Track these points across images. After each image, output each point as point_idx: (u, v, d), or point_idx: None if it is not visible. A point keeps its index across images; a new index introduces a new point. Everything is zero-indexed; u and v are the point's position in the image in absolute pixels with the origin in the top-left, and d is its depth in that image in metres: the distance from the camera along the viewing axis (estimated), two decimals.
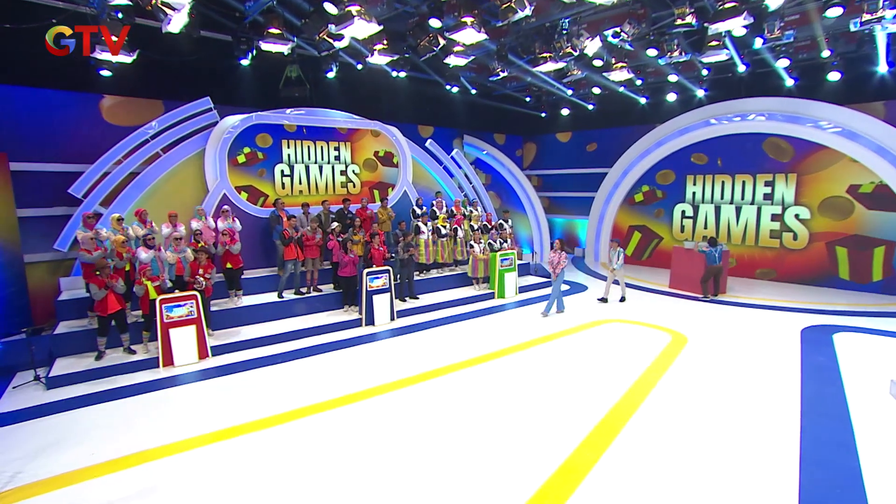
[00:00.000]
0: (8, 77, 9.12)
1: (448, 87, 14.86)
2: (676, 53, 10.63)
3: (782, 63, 11.21)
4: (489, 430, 5.76)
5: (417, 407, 6.37)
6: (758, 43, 10.00)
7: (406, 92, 14.88)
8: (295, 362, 8.05)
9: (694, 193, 14.99)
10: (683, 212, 15.29)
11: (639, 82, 13.35)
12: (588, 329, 9.70)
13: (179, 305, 7.94)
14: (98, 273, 7.48)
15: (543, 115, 17.78)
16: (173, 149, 10.11)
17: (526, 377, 7.31)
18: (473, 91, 15.75)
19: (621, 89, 14.16)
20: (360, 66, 13.08)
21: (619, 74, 11.59)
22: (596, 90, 14.32)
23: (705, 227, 14.77)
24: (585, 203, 17.94)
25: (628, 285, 13.65)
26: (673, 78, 13.05)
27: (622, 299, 11.67)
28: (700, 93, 13.97)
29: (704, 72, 12.69)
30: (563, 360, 8.05)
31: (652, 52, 10.73)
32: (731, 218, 14.25)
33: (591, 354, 8.30)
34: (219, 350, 8.35)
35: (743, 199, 13.99)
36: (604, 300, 11.59)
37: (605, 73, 11.83)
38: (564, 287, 13.40)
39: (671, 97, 14.36)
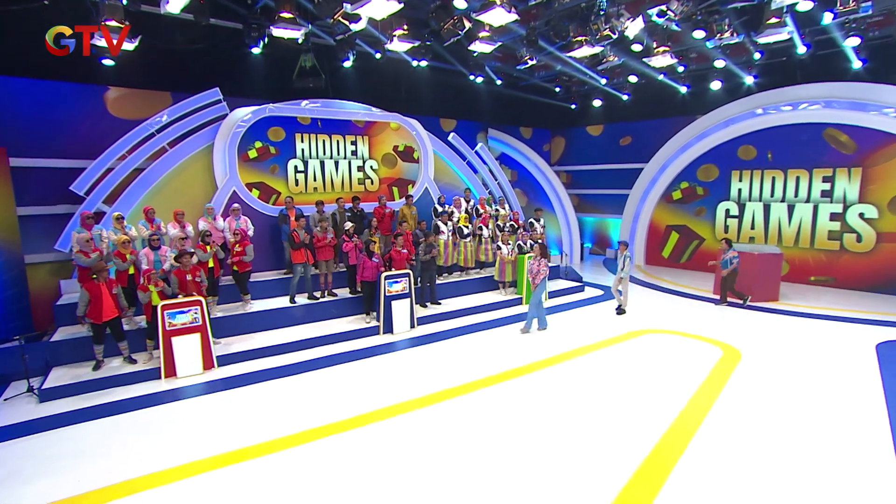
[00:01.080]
0: (7, 68, 8.62)
1: (472, 77, 14.00)
2: (727, 35, 9.55)
3: (852, 42, 9.93)
4: (528, 457, 4.91)
5: (444, 430, 5.55)
6: (827, 18, 8.81)
7: (427, 83, 14.10)
8: (307, 375, 7.33)
9: (740, 190, 13.78)
10: (728, 210, 14.09)
11: (681, 69, 12.22)
12: (626, 341, 8.74)
13: (183, 312, 7.30)
14: (94, 277, 6.89)
15: (573, 106, 16.76)
16: (180, 143, 9.50)
17: (565, 396, 6.41)
18: (499, 82, 14.86)
19: (661, 77, 13.04)
20: (378, 55, 12.34)
21: (661, 60, 10.55)
22: (633, 78, 13.23)
23: (752, 228, 13.56)
24: (618, 201, 16.85)
25: (663, 290, 12.61)
26: (720, 63, 11.89)
27: (620, 311, 10.38)
28: (749, 79, 12.74)
29: (756, 55, 11.49)
30: (603, 375, 7.13)
31: (699, 34, 9.65)
32: (782, 217, 13.01)
33: (633, 369, 7.36)
34: (225, 360, 7.69)
35: (797, 196, 12.74)
36: (621, 311, 10.45)
37: (644, 59, 10.78)
38: (595, 292, 12.41)
39: (716, 85, 13.15)
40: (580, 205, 18.09)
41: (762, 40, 9.46)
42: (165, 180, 9.34)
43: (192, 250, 7.75)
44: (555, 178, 16.59)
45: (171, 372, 7.23)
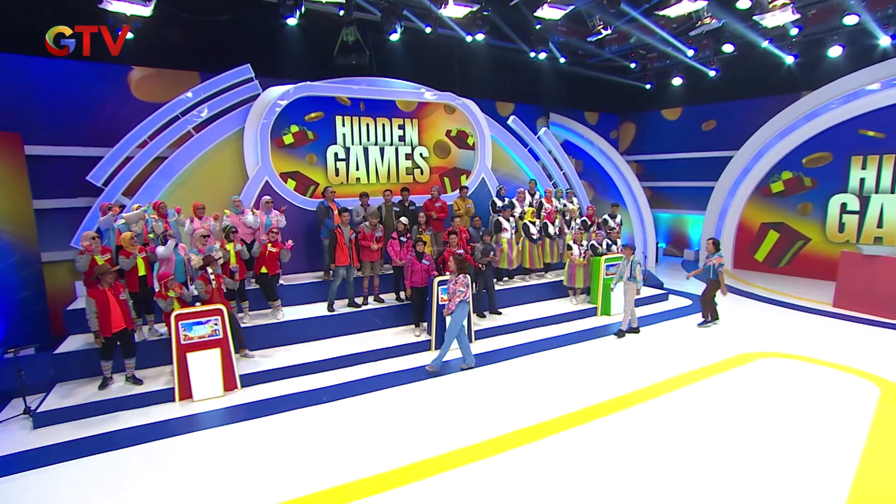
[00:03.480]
0: (23, 45, 7.76)
1: (532, 54, 12.33)
2: None
3: None
4: None
5: (520, 493, 4.02)
6: None
7: (482, 62, 12.55)
8: (346, 402, 5.99)
9: (862, 180, 11.37)
10: (844, 205, 11.70)
11: (795, 31, 9.98)
12: (737, 367, 6.89)
13: (200, 322, 6.14)
14: (98, 280, 5.81)
15: (649, 86, 14.68)
16: (207, 128, 8.39)
17: (679, 447, 4.72)
18: (562, 60, 13.08)
19: (764, 45, 10.80)
20: (428, 30, 10.91)
21: (779, 17, 8.49)
22: (727, 48, 11.06)
23: (879, 226, 11.15)
24: (699, 194, 14.66)
25: (762, 299, 10.51)
26: (850, 20, 9.54)
27: (621, 333, 8.28)
28: (885, 40, 10.24)
29: None
30: (724, 415, 5.38)
31: None
32: None
33: (762, 408, 5.60)
34: (250, 379, 6.48)
35: None
36: (629, 331, 8.40)
37: (756, 17, 8.73)
38: (681, 301, 10.44)
39: (835, 52, 10.78)
40: (653, 199, 15.93)
41: None
42: (190, 170, 8.27)
43: (219, 255, 6.62)
44: (627, 168, 14.60)
45: (186, 393, 6.07)
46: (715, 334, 8.37)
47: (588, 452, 4.80)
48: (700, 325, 8.76)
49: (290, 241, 7.38)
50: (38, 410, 5.51)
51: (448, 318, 6.71)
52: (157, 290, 6.46)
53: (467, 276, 6.72)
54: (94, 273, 5.86)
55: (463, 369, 6.84)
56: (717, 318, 8.82)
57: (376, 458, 4.76)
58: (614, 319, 9.18)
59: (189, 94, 8.29)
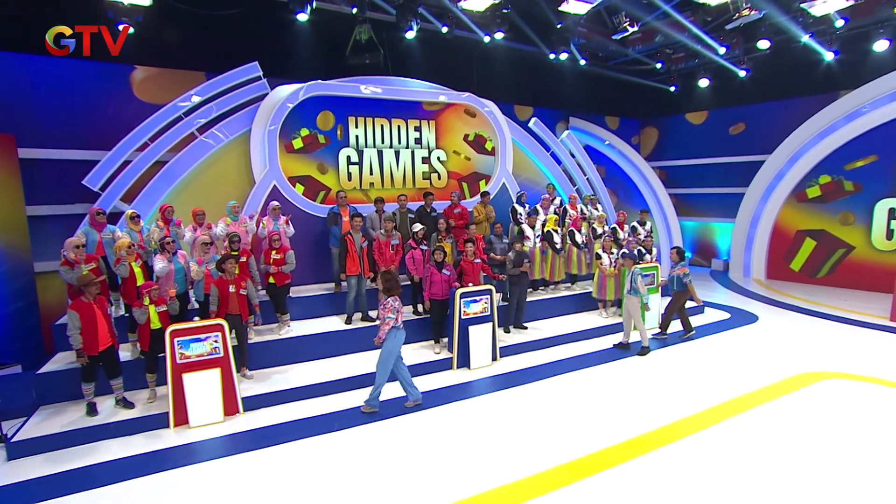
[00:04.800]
0: (19, 43, 7.32)
1: (552, 56, 11.78)
2: None
3: None
4: None
5: None
6: None
7: (500, 64, 12.10)
8: (360, 430, 5.31)
9: None
10: (893, 210, 10.89)
11: (840, 23, 9.28)
12: (802, 389, 6.12)
13: (199, 339, 5.50)
14: (81, 292, 5.23)
15: (673, 89, 14.02)
16: (212, 129, 7.86)
17: (751, 484, 3.96)
18: (583, 62, 12.51)
19: (805, 39, 10.11)
20: (445, 30, 10.42)
21: (830, 4, 7.79)
22: (763, 44, 10.37)
23: None
24: (727, 201, 13.95)
25: (805, 311, 9.72)
26: None
27: (621, 344, 7.68)
28: None
29: None
30: (797, 444, 4.59)
31: None
32: None
33: (838, 437, 4.79)
34: (254, 402, 5.82)
35: None
36: (625, 346, 7.70)
37: (805, 4, 8.06)
38: (718, 314, 9.64)
39: (881, 45, 10.05)
40: (677, 207, 15.15)
41: None
42: (194, 174, 7.73)
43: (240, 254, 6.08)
44: (652, 174, 13.92)
45: (182, 419, 5.43)
46: (763, 350, 7.59)
47: (645, 494, 4.06)
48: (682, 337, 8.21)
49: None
50: (14, 439, 4.88)
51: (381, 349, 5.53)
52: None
53: (398, 298, 5.51)
54: (77, 283, 5.26)
55: (408, 407, 5.71)
56: (692, 330, 8.24)
57: (397, 497, 4.07)
58: (649, 335, 8.43)
59: (193, 95, 7.75)
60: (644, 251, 8.83)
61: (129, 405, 5.51)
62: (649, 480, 4.27)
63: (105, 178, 7.32)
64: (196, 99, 7.76)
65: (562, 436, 5.08)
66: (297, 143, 8.49)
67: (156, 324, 5.48)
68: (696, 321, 9.21)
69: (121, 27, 6.96)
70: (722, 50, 10.86)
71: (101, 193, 7.32)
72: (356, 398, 6.01)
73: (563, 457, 4.67)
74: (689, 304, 8.23)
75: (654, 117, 16.03)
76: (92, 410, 5.37)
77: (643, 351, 7.47)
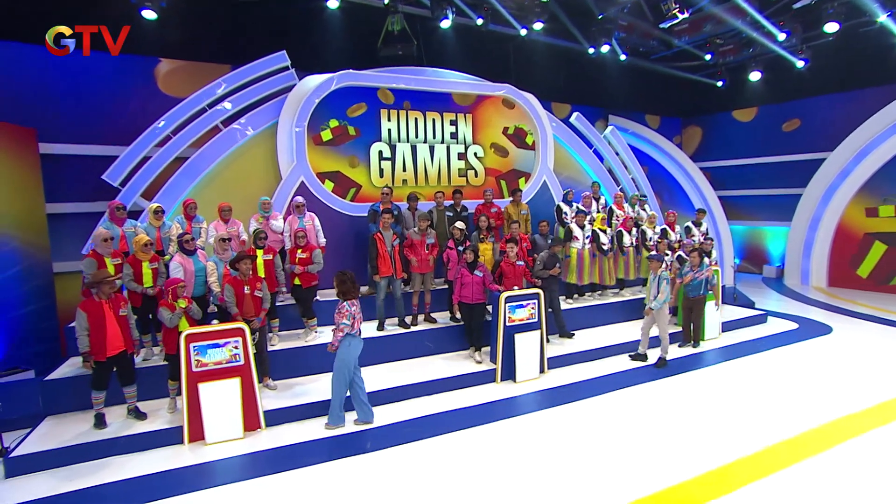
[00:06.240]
0: (40, 35, 7.03)
1: (591, 50, 11.12)
2: None
3: None
4: None
5: None
6: None
7: (537, 59, 11.55)
8: (394, 451, 4.65)
9: None
10: None
11: None
12: None
13: (217, 345, 4.96)
14: (94, 291, 4.76)
15: (721, 84, 13.12)
16: (237, 122, 7.41)
17: None
18: (623, 56, 11.80)
19: (883, 18, 9.11)
20: (480, 21, 9.89)
21: None
22: (831, 27, 9.41)
23: None
24: (780, 203, 12.99)
25: (876, 320, 8.69)
26: None
27: (662, 362, 6.70)
28: None
29: None
30: None
31: None
32: None
33: None
34: (277, 417, 5.23)
35: None
36: (642, 357, 6.84)
37: None
38: (784, 324, 8.69)
39: None
40: (723, 210, 14.21)
41: None
42: (218, 169, 7.28)
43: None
44: (699, 174, 13.02)
45: (198, 434, 4.87)
46: (847, 364, 6.65)
47: None
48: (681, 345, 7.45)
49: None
50: (13, 454, 4.39)
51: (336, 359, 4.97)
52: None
53: (356, 302, 4.93)
54: (92, 279, 4.79)
55: (325, 427, 5.07)
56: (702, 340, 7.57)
57: None
58: (707, 345, 7.59)
59: (221, 84, 7.31)
60: (704, 254, 7.97)
61: (140, 416, 4.99)
62: None
63: (125, 173, 6.93)
64: (222, 90, 7.32)
65: (631, 464, 4.33)
66: (326, 135, 7.99)
67: (184, 326, 4.96)
68: (758, 332, 8.32)
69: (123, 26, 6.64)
70: (782, 36, 9.98)
71: (121, 189, 6.92)
72: (392, 413, 5.39)
73: (635, 490, 3.91)
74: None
75: (698, 116, 15.13)
76: (100, 422, 4.86)
77: (660, 363, 6.65)
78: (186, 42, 7.90)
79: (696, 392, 5.91)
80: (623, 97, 13.33)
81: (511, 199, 8.22)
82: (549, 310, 7.17)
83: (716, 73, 13.08)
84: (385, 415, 5.35)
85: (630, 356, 6.94)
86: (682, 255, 7.98)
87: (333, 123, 7.98)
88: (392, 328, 6.71)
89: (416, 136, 8.66)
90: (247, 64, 7.64)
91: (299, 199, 6.81)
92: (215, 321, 5.50)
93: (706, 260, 8.06)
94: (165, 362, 5.21)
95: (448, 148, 8.91)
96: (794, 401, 5.56)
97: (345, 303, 4.89)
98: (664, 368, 6.61)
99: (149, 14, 7.03)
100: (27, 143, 6.86)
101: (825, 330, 8.39)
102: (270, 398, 5.45)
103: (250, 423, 5.04)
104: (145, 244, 5.38)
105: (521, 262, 6.67)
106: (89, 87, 7.50)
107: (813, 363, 6.81)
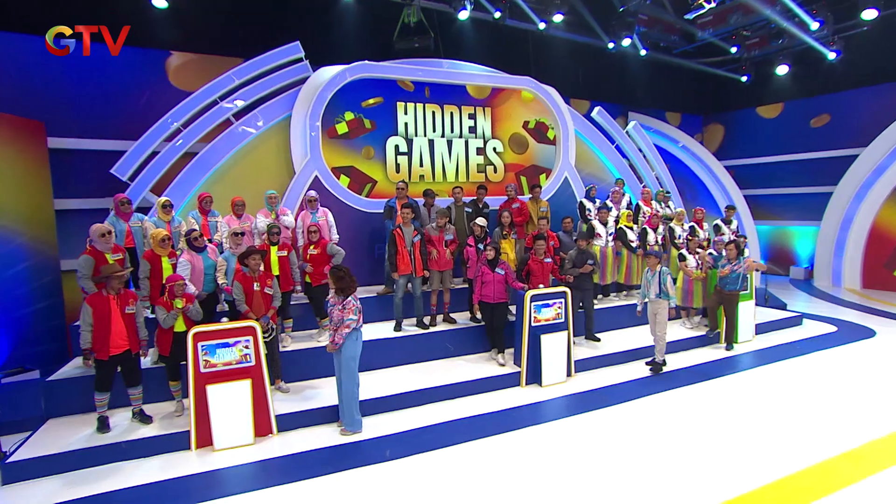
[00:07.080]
0: (48, 27, 6.87)
1: (611, 45, 10.80)
2: None
3: None
4: None
5: None
6: None
7: (555, 55, 11.30)
8: (413, 460, 4.31)
9: None
10: None
11: None
12: None
13: (226, 345, 4.67)
14: (103, 284, 4.50)
15: (745, 79, 12.68)
16: (249, 114, 7.17)
17: None
18: (644, 52, 11.47)
19: None
20: (497, 15, 9.64)
21: None
22: (869, 14, 8.95)
23: None
24: (807, 202, 12.53)
25: None
26: None
27: (656, 367, 6.22)
28: None
29: None
30: None
31: None
32: None
33: None
34: (290, 421, 4.92)
35: None
36: (658, 367, 6.28)
37: None
38: (822, 327, 8.22)
39: None
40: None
41: None
42: (229, 163, 7.04)
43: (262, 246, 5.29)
44: (723, 172, 12.57)
45: (206, 439, 4.57)
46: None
47: None
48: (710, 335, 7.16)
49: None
50: (10, 459, 4.12)
51: (337, 358, 4.69)
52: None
53: (356, 299, 4.63)
54: (100, 274, 4.53)
55: (341, 433, 4.73)
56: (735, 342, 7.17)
57: None
58: (742, 348, 7.16)
59: (232, 78, 7.07)
60: (742, 252, 7.54)
61: (146, 419, 4.71)
62: None
63: (134, 168, 6.71)
64: (234, 84, 7.08)
65: (672, 478, 3.94)
66: (342, 128, 7.72)
67: (181, 326, 4.67)
68: (794, 335, 7.86)
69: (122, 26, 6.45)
70: (815, 25, 9.54)
71: (129, 184, 6.70)
72: (411, 418, 5.05)
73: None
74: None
75: (720, 113, 14.70)
76: (103, 426, 4.58)
77: (655, 367, 6.20)
78: (197, 34, 7.71)
79: (735, 398, 5.49)
80: (643, 94, 13.01)
81: (530, 195, 7.88)
82: (581, 309, 6.82)
83: (740, 68, 12.66)
84: (404, 420, 5.02)
85: (647, 363, 6.46)
86: (714, 252, 7.58)
87: (349, 116, 7.72)
88: (409, 328, 6.38)
89: (434, 131, 8.36)
90: (259, 56, 7.44)
91: (312, 192, 6.54)
92: (224, 319, 5.22)
93: (747, 251, 7.66)
94: (161, 364, 4.93)
95: (466, 142, 8.60)
96: (842, 409, 5.13)
97: (349, 298, 4.59)
98: (692, 371, 6.20)
99: (159, 2, 6.83)
100: (35, 137, 6.68)
101: (868, 333, 7.90)
102: (282, 401, 5.15)
103: (261, 428, 4.74)
104: (163, 239, 5.11)
105: (549, 260, 6.33)
106: (100, 80, 7.33)
107: (859, 368, 6.35)
